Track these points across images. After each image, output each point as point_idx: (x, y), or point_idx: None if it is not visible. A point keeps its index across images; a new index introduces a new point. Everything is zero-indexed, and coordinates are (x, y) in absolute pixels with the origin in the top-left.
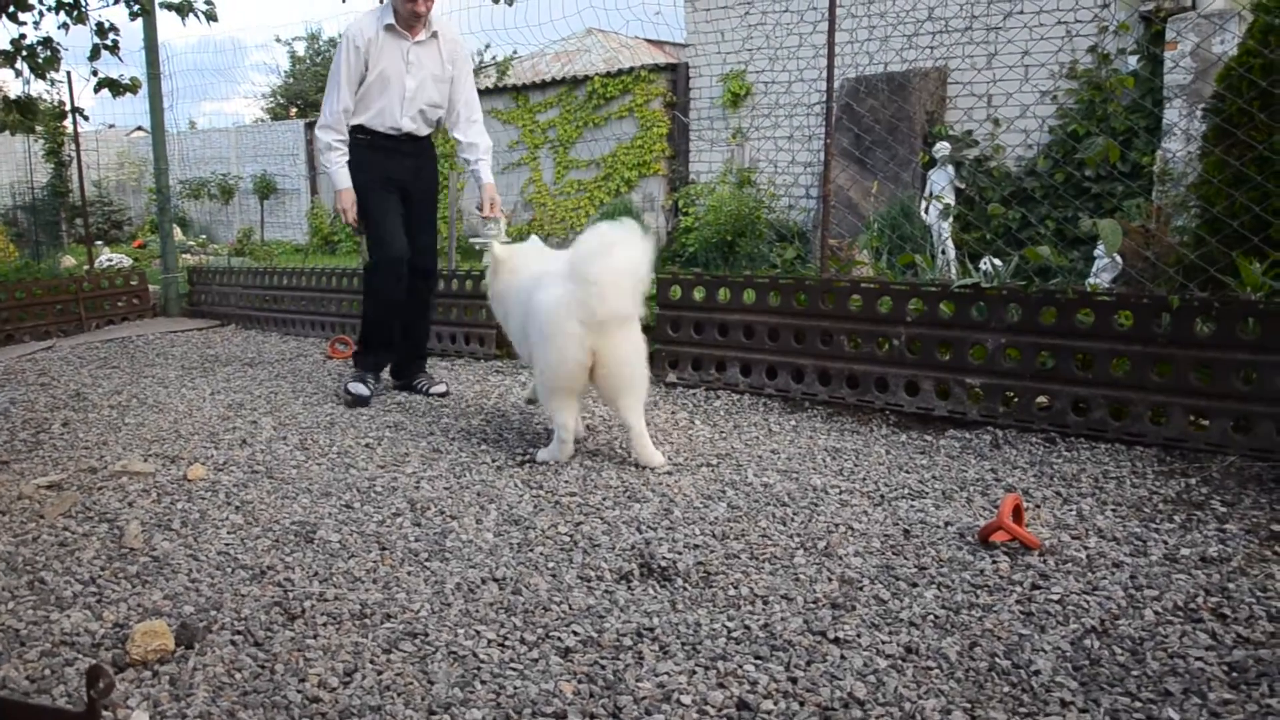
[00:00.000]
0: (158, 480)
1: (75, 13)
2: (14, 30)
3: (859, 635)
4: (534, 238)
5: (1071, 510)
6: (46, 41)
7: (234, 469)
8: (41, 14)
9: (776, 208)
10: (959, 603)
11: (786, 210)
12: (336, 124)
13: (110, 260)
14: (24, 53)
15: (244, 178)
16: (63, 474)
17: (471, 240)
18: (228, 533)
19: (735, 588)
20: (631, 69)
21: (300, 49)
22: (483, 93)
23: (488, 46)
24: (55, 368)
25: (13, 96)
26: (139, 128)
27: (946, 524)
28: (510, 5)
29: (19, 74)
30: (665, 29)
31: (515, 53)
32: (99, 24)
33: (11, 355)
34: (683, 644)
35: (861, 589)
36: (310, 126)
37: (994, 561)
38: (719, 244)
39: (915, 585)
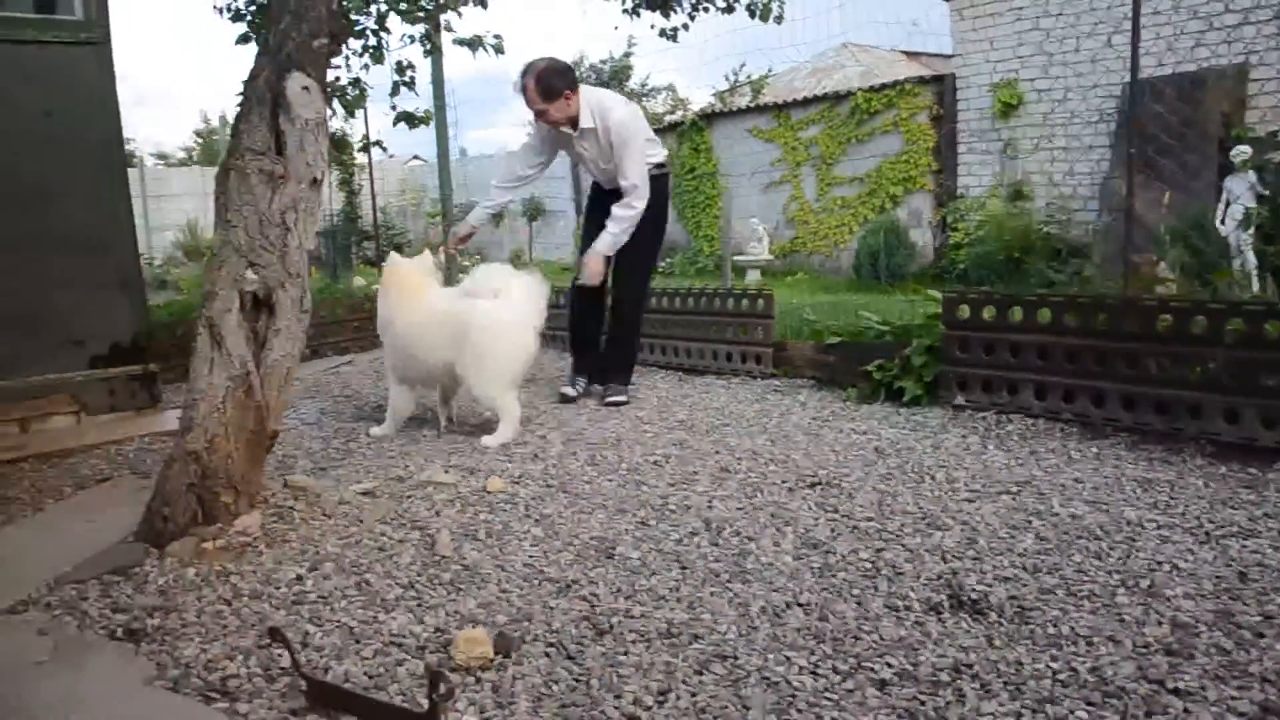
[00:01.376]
0: (460, 491)
1: (376, 54)
2: (329, 73)
3: (1203, 687)
4: (425, 254)
5: None
6: (356, 82)
7: (530, 482)
8: (348, 58)
9: (1059, 221)
10: None
11: (1065, 224)
12: (494, 190)
13: None
14: (337, 94)
15: (514, 201)
16: (374, 482)
17: (735, 258)
18: (530, 545)
19: (1054, 625)
20: (896, 82)
21: None
22: (743, 111)
23: (743, 65)
24: (356, 381)
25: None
26: (415, 157)
27: None
28: (779, 23)
29: (334, 113)
30: (925, 40)
31: (770, 70)
32: (398, 63)
33: (318, 369)
34: (1005, 683)
35: (1198, 636)
36: None
37: None
38: (1005, 260)
39: (1262, 636)
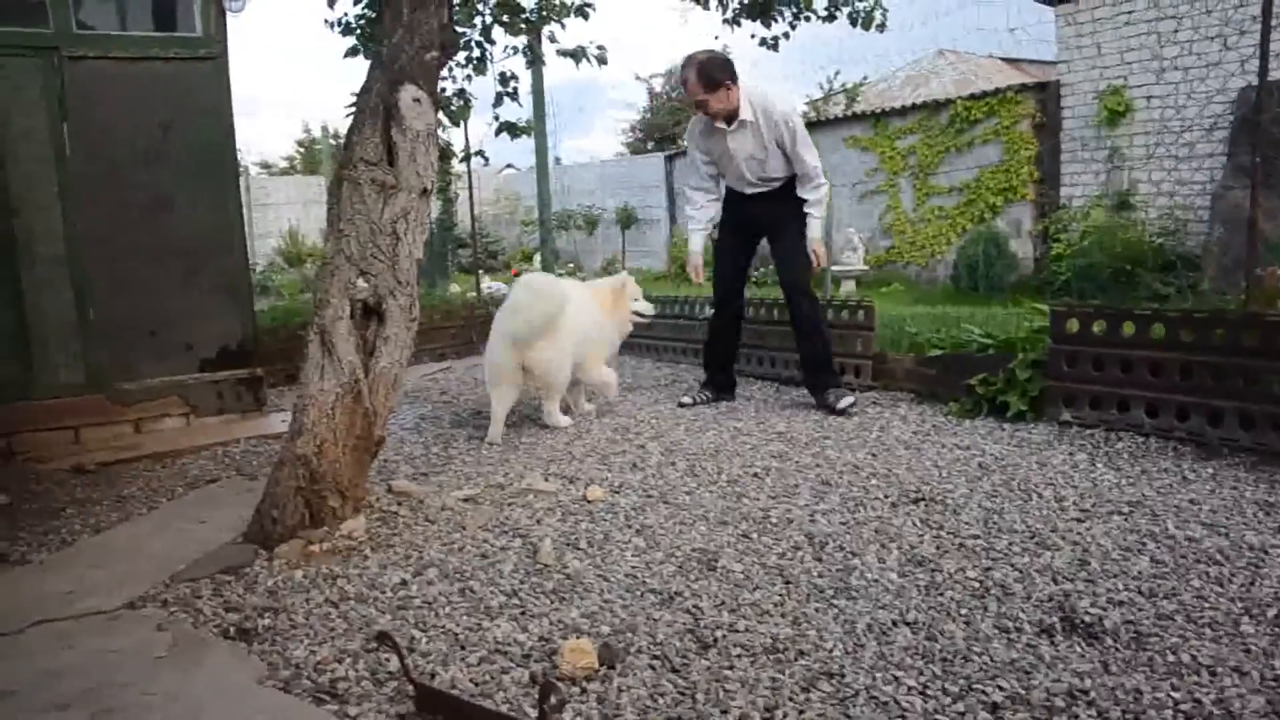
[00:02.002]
0: (560, 499)
1: (480, 65)
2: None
3: None
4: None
5: None
6: (460, 93)
7: (629, 492)
8: (452, 68)
9: (1174, 232)
10: None
11: (1180, 235)
12: (692, 195)
13: (490, 288)
14: (442, 104)
15: (607, 209)
16: (475, 489)
17: (832, 268)
18: (632, 555)
19: (1173, 653)
20: (996, 90)
21: (658, 85)
22: (838, 120)
23: (837, 73)
24: (454, 387)
25: None
26: (509, 165)
27: None
28: (882, 31)
29: (442, 124)
30: (1024, 46)
31: (865, 78)
32: (501, 74)
33: (416, 375)
34: (1123, 712)
35: None
36: (669, 159)
37: None
38: (1113, 272)
39: None
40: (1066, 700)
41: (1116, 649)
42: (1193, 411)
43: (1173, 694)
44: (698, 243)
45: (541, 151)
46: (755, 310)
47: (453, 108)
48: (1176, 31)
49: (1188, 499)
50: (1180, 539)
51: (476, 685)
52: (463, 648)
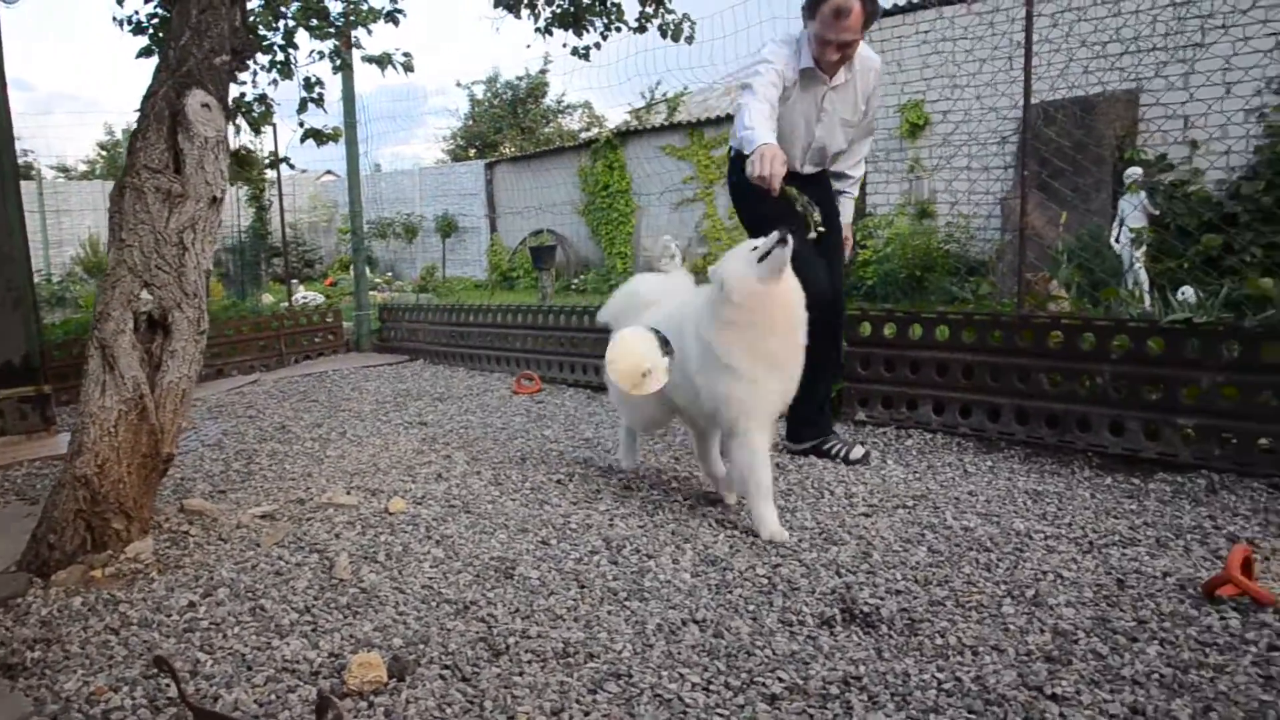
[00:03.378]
0: (361, 513)
1: (285, 70)
2: (234, 90)
3: (1078, 692)
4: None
5: None
6: (262, 98)
7: (432, 503)
8: (256, 73)
9: (959, 240)
10: (1186, 661)
11: (966, 242)
12: (766, 113)
13: (304, 298)
14: (242, 109)
15: (427, 217)
16: (274, 504)
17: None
18: (430, 566)
19: (942, 636)
20: None
21: (479, 92)
22: (656, 129)
23: (659, 84)
24: (260, 401)
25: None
26: (328, 172)
27: (1164, 574)
28: (690, 43)
29: (238, 129)
30: None
31: (686, 89)
32: (306, 79)
33: (221, 389)
34: (892, 694)
35: (1077, 642)
36: (489, 167)
37: (1222, 618)
38: (907, 278)
39: (1135, 640)
40: (841, 687)
41: (891, 636)
42: (974, 408)
43: (938, 675)
44: (768, 132)
45: (353, 159)
46: (568, 318)
47: (253, 113)
48: (965, 51)
49: (967, 491)
50: (957, 529)
51: (261, 706)
52: (249, 668)
